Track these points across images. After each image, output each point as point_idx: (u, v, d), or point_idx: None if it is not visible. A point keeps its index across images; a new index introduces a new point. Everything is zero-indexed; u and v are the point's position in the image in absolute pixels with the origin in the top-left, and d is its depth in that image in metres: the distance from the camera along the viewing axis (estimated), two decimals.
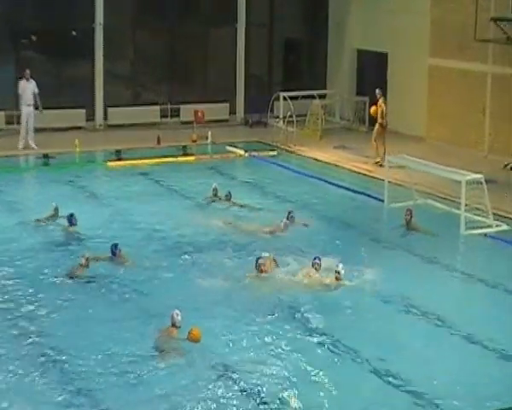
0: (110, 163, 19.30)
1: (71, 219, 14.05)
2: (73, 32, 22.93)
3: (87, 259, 12.19)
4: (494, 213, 14.82)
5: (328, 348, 10.05)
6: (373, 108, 19.75)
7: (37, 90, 20.16)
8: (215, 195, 15.99)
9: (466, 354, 10.11)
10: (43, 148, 19.95)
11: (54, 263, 12.66)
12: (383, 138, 19.36)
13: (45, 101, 20.66)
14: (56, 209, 14.57)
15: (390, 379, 9.26)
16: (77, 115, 22.35)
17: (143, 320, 10.63)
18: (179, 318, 9.93)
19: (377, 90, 19.61)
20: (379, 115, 19.39)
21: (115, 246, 12.63)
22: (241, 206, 15.70)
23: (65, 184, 17.42)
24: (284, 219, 14.29)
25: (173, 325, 9.98)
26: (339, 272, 11.89)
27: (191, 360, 9.50)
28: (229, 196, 15.81)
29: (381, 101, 19.46)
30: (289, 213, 14.51)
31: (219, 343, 10.02)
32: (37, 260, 12.80)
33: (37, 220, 14.47)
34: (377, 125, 19.49)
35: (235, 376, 9.29)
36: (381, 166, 18.48)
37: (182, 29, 23.79)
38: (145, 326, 10.39)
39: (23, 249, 13.29)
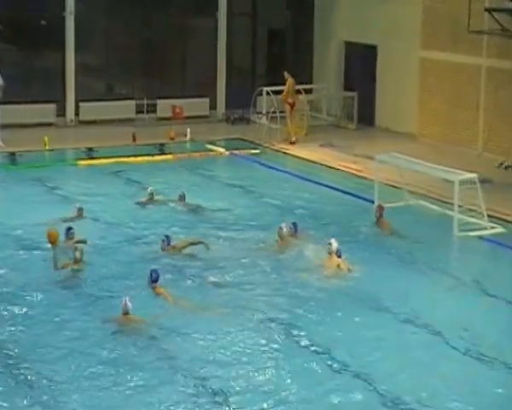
0: (82, 162, 18.94)
1: (68, 232, 13.05)
2: (42, 21, 22.58)
3: (81, 251, 11.95)
4: (489, 215, 14.55)
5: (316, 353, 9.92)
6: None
7: (1, 82, 19.68)
8: (150, 199, 15.52)
9: (459, 361, 9.86)
10: (10, 145, 19.57)
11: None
12: (292, 117, 20.83)
13: (13, 95, 20.35)
14: (80, 210, 14.22)
15: (378, 388, 8.99)
16: (46, 111, 21.99)
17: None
18: (130, 304, 10.21)
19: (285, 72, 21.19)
20: (289, 95, 20.62)
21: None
22: (193, 209, 15.19)
23: (33, 184, 16.93)
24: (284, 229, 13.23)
25: (125, 313, 10.24)
26: (330, 244, 12.17)
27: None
28: (182, 197, 15.30)
29: (288, 82, 20.67)
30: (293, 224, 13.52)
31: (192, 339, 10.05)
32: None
33: (62, 221, 13.76)
34: (287, 105, 20.74)
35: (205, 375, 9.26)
36: (292, 143, 20.39)
37: (159, 18, 23.72)
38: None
39: None
